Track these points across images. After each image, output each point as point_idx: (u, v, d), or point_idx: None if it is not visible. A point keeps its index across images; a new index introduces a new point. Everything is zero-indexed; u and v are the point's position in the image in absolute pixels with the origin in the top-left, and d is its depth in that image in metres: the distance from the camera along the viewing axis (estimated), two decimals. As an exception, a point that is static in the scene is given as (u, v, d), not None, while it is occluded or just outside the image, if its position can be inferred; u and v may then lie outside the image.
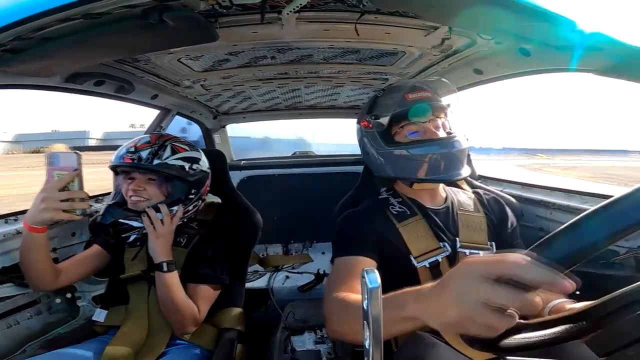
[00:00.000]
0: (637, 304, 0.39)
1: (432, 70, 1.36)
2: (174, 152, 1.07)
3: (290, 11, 0.85)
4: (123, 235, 1.05)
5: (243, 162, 2.53)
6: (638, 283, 0.40)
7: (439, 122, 1.00)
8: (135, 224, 1.03)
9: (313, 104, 2.19)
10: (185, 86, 1.51)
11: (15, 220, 1.17)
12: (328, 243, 2.33)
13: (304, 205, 2.32)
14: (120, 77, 1.21)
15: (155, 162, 1.03)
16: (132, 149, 1.04)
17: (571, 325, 0.45)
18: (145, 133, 1.72)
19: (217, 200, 1.29)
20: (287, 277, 2.02)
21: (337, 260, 0.95)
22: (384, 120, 1.01)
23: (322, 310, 0.83)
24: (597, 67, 0.82)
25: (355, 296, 0.74)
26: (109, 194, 1.44)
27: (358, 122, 1.12)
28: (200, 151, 1.16)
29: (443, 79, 1.11)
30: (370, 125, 1.05)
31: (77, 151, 0.96)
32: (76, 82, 1.08)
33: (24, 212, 1.21)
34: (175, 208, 1.06)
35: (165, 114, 1.74)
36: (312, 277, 1.95)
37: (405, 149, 0.98)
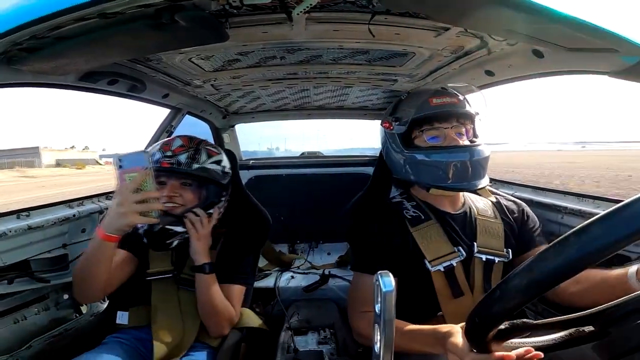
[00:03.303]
0: None
1: (443, 71, 1.35)
2: (209, 155, 1.08)
3: (301, 11, 0.85)
4: (168, 241, 1.04)
5: (252, 161, 2.54)
6: None
7: (463, 128, 0.99)
8: (179, 229, 1.03)
9: (322, 105, 2.19)
10: (196, 85, 1.53)
11: (27, 216, 1.19)
12: (334, 243, 2.35)
13: (311, 205, 2.32)
14: (133, 76, 1.23)
15: (195, 166, 1.03)
16: (169, 153, 1.03)
17: (579, 329, 0.44)
18: (157, 132, 1.75)
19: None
20: (293, 277, 2.02)
21: (357, 275, 1.00)
22: (405, 123, 1.00)
23: (350, 322, 0.98)
24: (612, 69, 0.80)
25: None
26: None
27: (381, 123, 1.12)
28: (223, 153, 1.17)
29: (471, 85, 1.09)
30: (392, 127, 1.05)
31: (146, 150, 0.90)
32: (90, 80, 1.10)
33: (36, 207, 1.23)
34: (211, 211, 1.06)
35: (176, 113, 1.76)
36: (317, 278, 1.95)
37: (423, 154, 0.97)
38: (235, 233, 1.17)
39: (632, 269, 0.71)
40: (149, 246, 1.07)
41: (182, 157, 1.02)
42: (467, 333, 0.54)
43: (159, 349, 0.97)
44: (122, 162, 0.86)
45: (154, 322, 1.03)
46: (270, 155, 3.90)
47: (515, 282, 0.42)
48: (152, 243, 1.04)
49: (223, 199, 1.12)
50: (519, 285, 0.41)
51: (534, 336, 0.50)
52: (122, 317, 1.08)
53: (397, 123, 1.03)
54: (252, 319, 1.18)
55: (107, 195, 1.51)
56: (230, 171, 1.16)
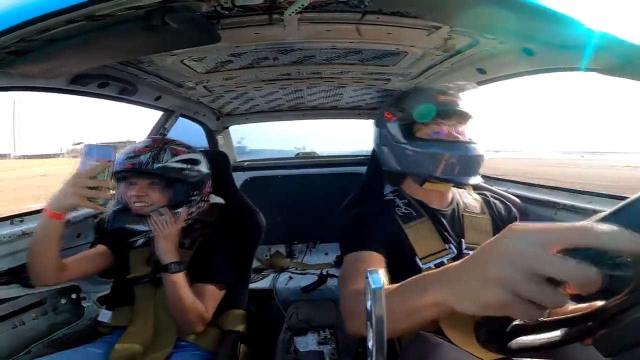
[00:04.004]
0: None
1: (435, 70, 1.35)
2: (173, 154, 1.08)
3: (292, 12, 0.84)
4: (130, 240, 1.08)
5: (246, 162, 2.54)
6: None
7: (460, 127, 1.00)
8: (140, 228, 1.05)
9: (315, 105, 2.18)
10: (189, 87, 1.52)
11: (21, 221, 1.18)
12: (331, 244, 2.36)
13: (307, 206, 2.32)
14: (124, 78, 1.22)
15: (156, 165, 1.04)
16: (132, 154, 1.05)
17: (579, 326, 0.45)
18: (149, 135, 1.74)
19: (221, 201, 1.29)
20: (291, 277, 2.02)
21: (347, 257, 0.94)
22: (411, 114, 1.00)
23: (340, 308, 0.84)
24: (601, 66, 0.81)
25: None
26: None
27: (378, 118, 1.11)
28: (199, 153, 1.17)
29: (469, 84, 1.09)
30: (395, 118, 1.04)
31: (113, 144, 0.94)
32: (80, 83, 1.09)
33: (29, 213, 1.22)
34: (179, 210, 1.06)
35: (169, 115, 1.74)
36: (316, 278, 1.95)
37: (426, 146, 0.98)
38: (220, 233, 1.17)
39: None
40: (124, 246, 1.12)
41: (144, 157, 1.04)
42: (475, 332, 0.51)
43: (117, 352, 0.97)
44: (90, 151, 0.93)
45: (130, 324, 1.05)
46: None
47: None
48: (114, 241, 1.11)
49: (194, 198, 1.11)
50: None
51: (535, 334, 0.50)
52: (104, 316, 1.09)
53: (402, 113, 1.03)
54: (231, 323, 1.17)
55: None
56: (205, 170, 1.16)
